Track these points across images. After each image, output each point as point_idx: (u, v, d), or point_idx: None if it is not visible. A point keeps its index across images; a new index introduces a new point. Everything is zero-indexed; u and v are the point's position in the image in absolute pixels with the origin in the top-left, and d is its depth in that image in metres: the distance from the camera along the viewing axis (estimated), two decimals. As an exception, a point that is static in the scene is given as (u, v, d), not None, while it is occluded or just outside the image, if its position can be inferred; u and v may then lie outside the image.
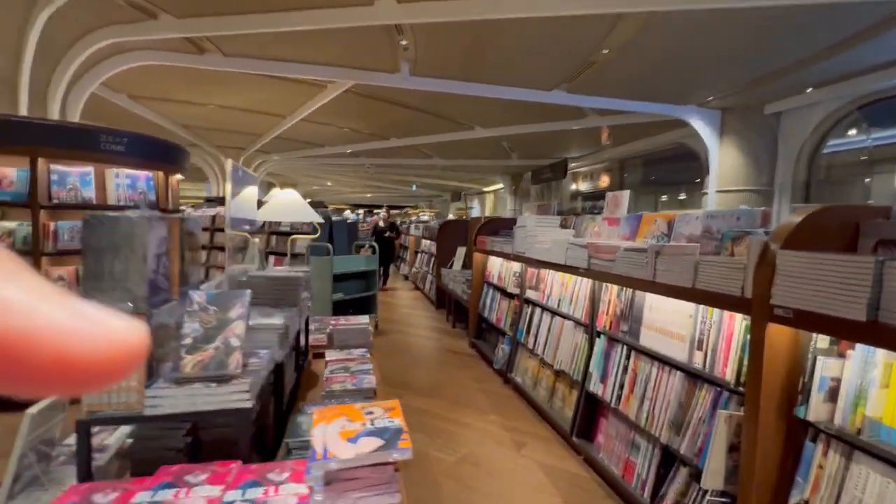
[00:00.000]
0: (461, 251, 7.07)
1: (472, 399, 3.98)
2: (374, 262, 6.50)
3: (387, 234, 9.67)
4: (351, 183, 21.76)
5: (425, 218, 18.99)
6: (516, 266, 4.54)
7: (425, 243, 9.42)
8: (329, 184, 22.12)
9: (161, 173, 4.13)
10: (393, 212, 20.30)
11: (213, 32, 4.84)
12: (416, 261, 10.24)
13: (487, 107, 7.96)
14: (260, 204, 3.29)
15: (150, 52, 5.54)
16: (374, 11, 4.42)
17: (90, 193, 3.71)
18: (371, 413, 1.10)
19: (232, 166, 1.81)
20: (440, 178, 19.12)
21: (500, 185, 18.39)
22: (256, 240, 2.53)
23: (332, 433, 0.99)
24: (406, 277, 10.87)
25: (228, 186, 1.76)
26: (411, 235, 10.92)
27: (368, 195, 28.11)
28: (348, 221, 8.07)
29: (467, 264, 6.59)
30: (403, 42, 5.34)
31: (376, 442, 0.96)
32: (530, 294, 4.17)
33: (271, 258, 6.69)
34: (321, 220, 3.46)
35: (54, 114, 4.93)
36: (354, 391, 2.10)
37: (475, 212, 22.35)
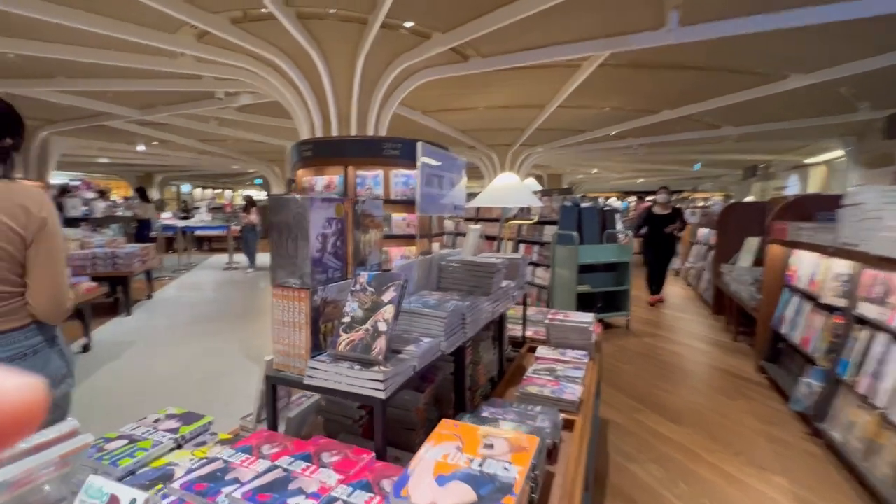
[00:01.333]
0: (751, 242, 5.39)
1: (747, 444, 2.92)
2: (626, 253, 5.75)
3: (671, 228, 6.46)
4: (618, 168, 20.27)
5: (713, 202, 15.64)
6: (841, 265, 3.03)
7: (702, 233, 7.71)
8: (595, 171, 21.30)
9: (426, 170, 4.81)
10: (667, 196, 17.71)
11: (470, 36, 5.27)
12: (689, 254, 8.55)
13: (810, 40, 5.69)
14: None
15: (428, 69, 6.55)
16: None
17: (379, 191, 4.68)
18: (491, 447, 0.83)
19: (422, 148, 1.82)
20: (733, 152, 15.34)
21: (838, 153, 13.17)
22: (478, 226, 2.53)
23: (429, 460, 0.79)
24: (676, 273, 9.23)
25: (419, 174, 1.78)
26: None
27: (640, 180, 25.54)
28: (604, 209, 7.44)
29: (761, 260, 4.93)
30: (669, -15, 4.37)
31: (466, 494, 0.69)
32: (867, 309, 2.69)
33: (521, 246, 6.90)
34: (539, 205, 3.16)
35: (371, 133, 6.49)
36: (551, 399, 1.81)
37: (792, 191, 16.83)
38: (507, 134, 12.07)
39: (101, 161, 18.82)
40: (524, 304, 2.63)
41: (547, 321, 2.55)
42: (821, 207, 3.56)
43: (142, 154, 16.08)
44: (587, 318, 2.55)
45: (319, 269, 1.23)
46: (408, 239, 4.81)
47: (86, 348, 4.56)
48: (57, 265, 1.52)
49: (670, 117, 9.41)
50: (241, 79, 6.77)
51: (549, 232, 6.14)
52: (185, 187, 32.04)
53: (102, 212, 9.85)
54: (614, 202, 14.41)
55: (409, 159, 4.69)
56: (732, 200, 8.55)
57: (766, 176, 18.81)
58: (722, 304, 6.04)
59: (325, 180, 4.71)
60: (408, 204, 4.77)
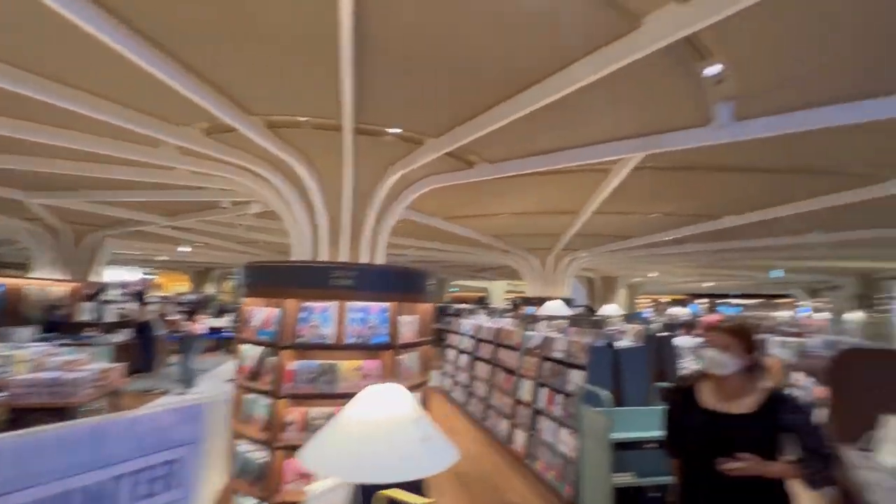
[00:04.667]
0: (900, 429, 3.41)
1: None
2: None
3: (764, 469, 1.75)
4: (681, 273, 18.07)
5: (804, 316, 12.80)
6: None
7: (797, 379, 5.61)
8: (654, 274, 19.18)
9: (394, 304, 3.65)
10: (741, 309, 15.30)
11: (465, 140, 4.42)
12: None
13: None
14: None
15: (431, 177, 5.76)
16: (646, 33, 2.75)
17: (328, 329, 3.54)
18: None
19: None
20: (832, 259, 12.95)
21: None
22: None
23: None
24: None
25: None
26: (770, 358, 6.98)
27: (706, 284, 22.74)
28: (661, 339, 5.73)
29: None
30: (713, 70, 3.27)
31: None
32: None
33: (543, 391, 5.29)
34: (423, 476, 1.26)
35: (365, 252, 5.52)
36: None
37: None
38: (543, 239, 10.95)
39: (160, 258, 20.08)
40: None
41: None
42: None
43: (195, 252, 16.85)
44: None
45: None
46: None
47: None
48: None
49: (735, 223, 7.83)
50: (234, 188, 6.42)
51: (577, 379, 4.55)
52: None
53: (115, 315, 9.61)
54: (677, 313, 12.15)
55: (369, 290, 3.60)
56: (843, 346, 6.47)
57: (876, 288, 15.66)
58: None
59: (264, 314, 3.68)
60: (366, 349, 3.56)
